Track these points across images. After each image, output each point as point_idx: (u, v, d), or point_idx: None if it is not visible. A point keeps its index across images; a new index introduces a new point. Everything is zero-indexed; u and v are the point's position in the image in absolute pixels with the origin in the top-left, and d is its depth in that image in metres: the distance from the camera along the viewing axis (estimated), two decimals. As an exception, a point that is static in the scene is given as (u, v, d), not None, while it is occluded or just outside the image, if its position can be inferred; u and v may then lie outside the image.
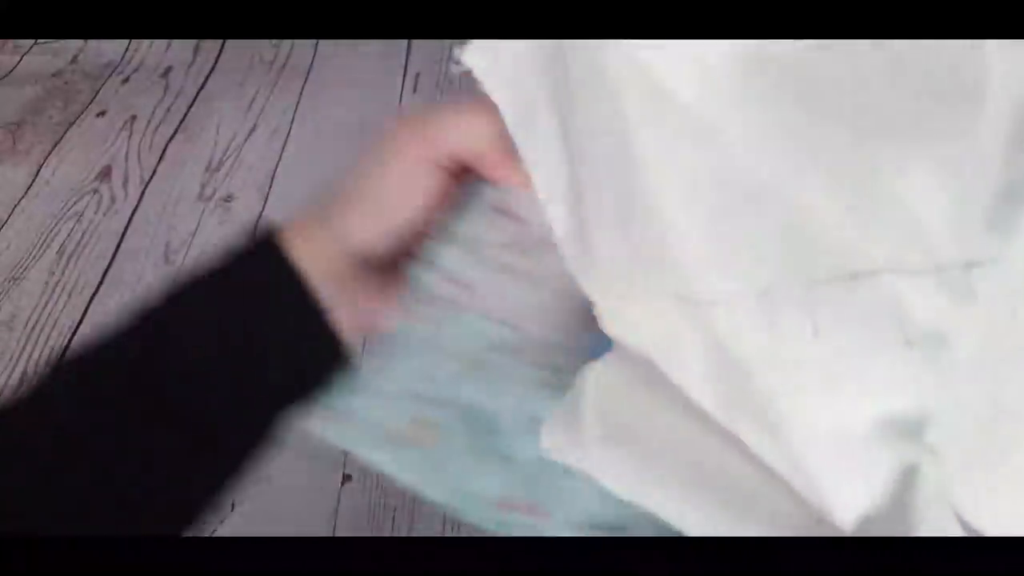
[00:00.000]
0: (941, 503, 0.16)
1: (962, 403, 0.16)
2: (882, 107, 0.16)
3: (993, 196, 0.15)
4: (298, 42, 1.02)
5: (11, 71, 0.94)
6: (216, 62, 0.98)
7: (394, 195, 0.31)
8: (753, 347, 0.16)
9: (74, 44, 0.99)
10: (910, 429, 0.16)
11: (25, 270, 0.67)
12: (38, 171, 0.79)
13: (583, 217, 0.19)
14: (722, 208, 0.16)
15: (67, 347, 0.60)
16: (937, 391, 0.16)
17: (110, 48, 0.99)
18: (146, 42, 1.00)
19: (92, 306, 0.64)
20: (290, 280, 0.29)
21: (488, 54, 0.23)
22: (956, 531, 0.17)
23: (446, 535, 0.49)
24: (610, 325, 0.19)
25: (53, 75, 0.94)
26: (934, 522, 0.16)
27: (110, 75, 0.95)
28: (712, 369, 0.17)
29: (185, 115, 0.89)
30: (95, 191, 0.77)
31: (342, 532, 0.57)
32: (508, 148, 0.28)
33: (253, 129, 0.88)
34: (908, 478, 0.16)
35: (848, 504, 0.17)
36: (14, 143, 0.83)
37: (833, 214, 0.16)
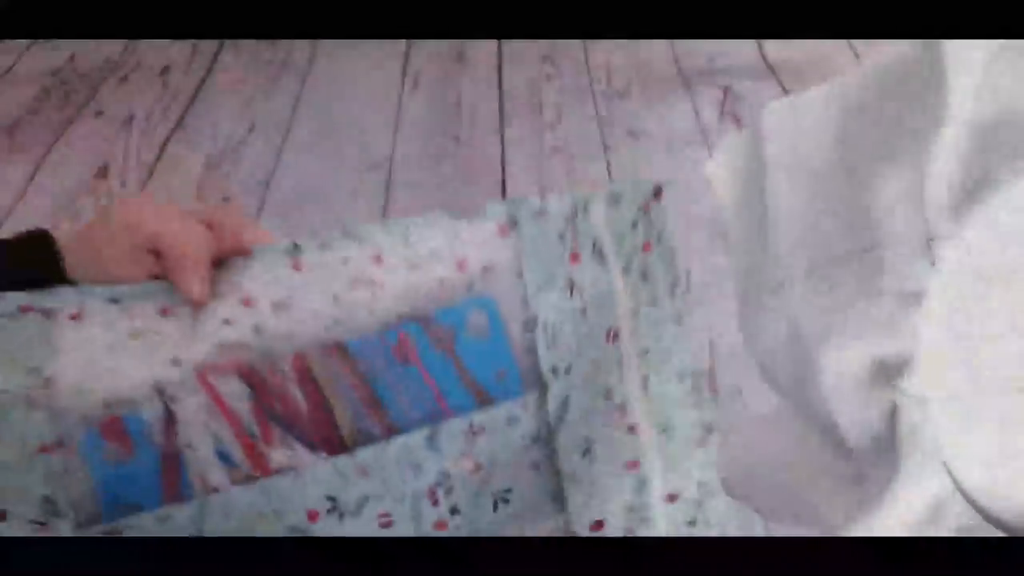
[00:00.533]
0: (923, 442, 0.21)
1: (935, 350, 0.21)
2: (870, 139, 0.23)
3: (950, 194, 0.22)
4: (297, 42, 1.02)
5: (9, 70, 0.94)
6: (214, 62, 0.98)
7: (109, 266, 0.38)
8: (804, 311, 0.24)
9: (72, 44, 0.98)
10: (892, 373, 0.22)
11: (21, 269, 0.67)
12: (36, 170, 0.79)
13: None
14: (792, 215, 0.25)
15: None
16: (912, 338, 0.22)
17: (108, 48, 0.99)
18: (144, 42, 1.00)
19: (89, 306, 0.64)
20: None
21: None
22: (938, 470, 0.21)
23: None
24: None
25: (51, 74, 0.93)
26: (917, 459, 0.21)
27: (108, 75, 0.94)
28: (782, 339, 0.25)
29: (183, 115, 0.89)
30: (93, 190, 0.77)
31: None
32: (201, 260, 0.37)
33: (251, 129, 0.87)
34: (893, 417, 0.22)
35: (854, 430, 0.23)
36: (12, 142, 0.83)
37: (850, 213, 0.23)
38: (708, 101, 0.96)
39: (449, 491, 0.42)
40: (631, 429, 0.46)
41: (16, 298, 0.40)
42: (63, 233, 0.37)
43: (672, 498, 0.44)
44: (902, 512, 0.21)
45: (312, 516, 0.40)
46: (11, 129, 0.85)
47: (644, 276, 0.47)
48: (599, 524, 0.41)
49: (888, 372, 0.22)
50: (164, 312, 0.41)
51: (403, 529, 0.41)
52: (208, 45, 1.01)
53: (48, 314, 0.41)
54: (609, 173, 0.84)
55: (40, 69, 0.95)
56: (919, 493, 0.21)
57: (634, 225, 0.47)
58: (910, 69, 0.23)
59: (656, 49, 1.04)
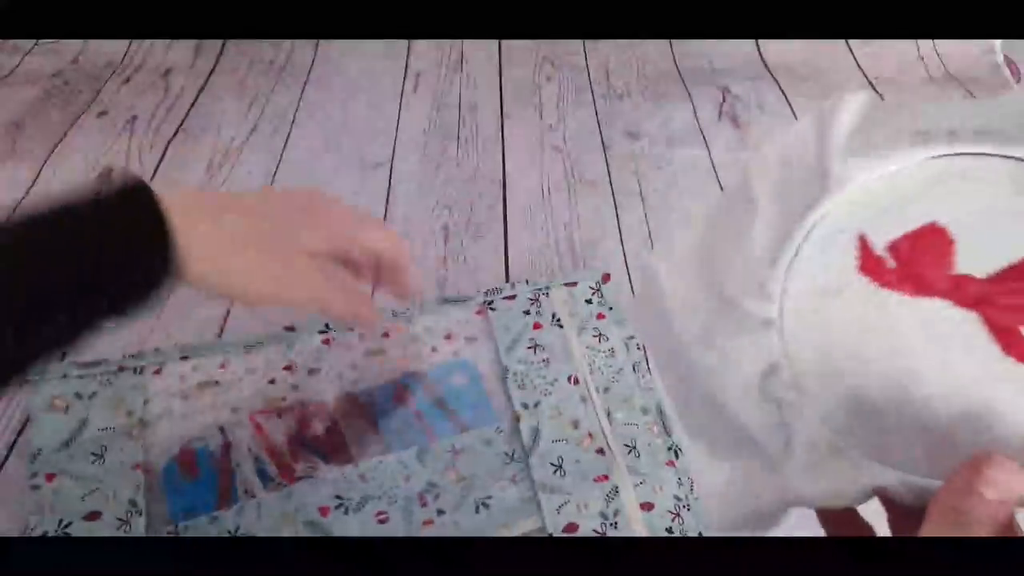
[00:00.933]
0: (807, 420, 0.30)
1: (795, 355, 0.31)
2: (719, 244, 0.34)
3: (767, 253, 0.32)
4: (299, 42, 1.02)
5: (12, 71, 0.94)
6: (217, 62, 0.98)
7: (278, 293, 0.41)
8: (706, 364, 0.34)
9: (75, 44, 0.99)
10: (772, 376, 0.31)
11: (26, 270, 0.67)
12: (39, 171, 0.79)
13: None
14: (680, 306, 0.36)
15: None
16: (778, 351, 0.31)
17: (111, 48, 0.99)
18: (147, 42, 1.00)
19: (93, 306, 0.64)
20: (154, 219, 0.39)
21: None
22: (821, 434, 0.30)
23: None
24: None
25: (53, 75, 0.94)
26: (803, 433, 0.30)
27: (111, 75, 0.95)
28: (699, 392, 0.35)
29: (186, 115, 0.89)
30: (96, 191, 0.77)
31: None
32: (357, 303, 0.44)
33: (254, 129, 0.88)
34: (782, 409, 0.31)
35: (759, 425, 0.32)
36: (15, 143, 0.83)
37: (715, 289, 0.34)
38: (707, 101, 0.96)
39: (436, 496, 0.51)
40: (599, 451, 0.55)
41: (114, 361, 0.57)
42: (180, 228, 0.39)
43: (648, 507, 0.50)
44: (802, 454, 0.30)
45: (324, 511, 0.48)
46: (14, 130, 0.86)
47: (600, 337, 0.61)
48: (572, 527, 0.48)
49: (768, 378, 0.31)
50: (222, 366, 0.57)
51: (396, 525, 0.48)
52: (211, 46, 1.02)
53: (139, 371, 0.56)
54: (609, 173, 0.84)
55: (42, 70, 0.96)
56: (814, 440, 0.30)
57: (588, 302, 0.64)
58: (733, 195, 0.35)
59: (655, 49, 1.05)
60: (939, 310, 0.27)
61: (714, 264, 0.34)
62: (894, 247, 0.29)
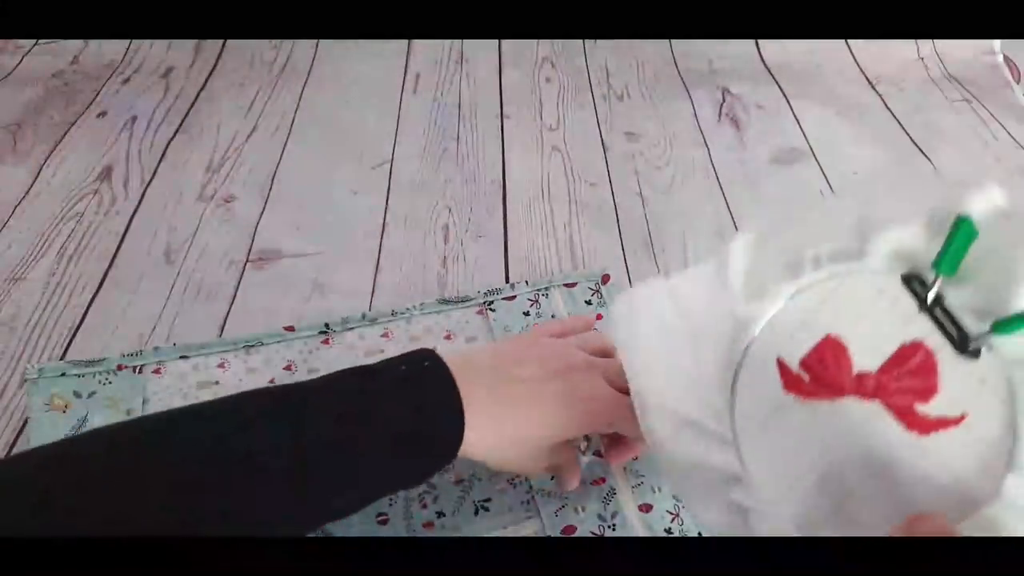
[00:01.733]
0: (772, 524, 0.34)
1: (751, 469, 0.36)
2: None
3: (718, 378, 0.39)
4: (298, 42, 1.02)
5: (12, 71, 0.94)
6: (217, 63, 0.98)
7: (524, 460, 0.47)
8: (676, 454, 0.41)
9: (75, 44, 0.99)
10: (734, 487, 0.36)
11: (25, 270, 0.67)
12: (39, 171, 0.79)
13: None
14: (666, 405, 0.42)
15: (68, 347, 0.60)
16: (736, 465, 0.36)
17: (111, 48, 0.99)
18: (147, 42, 1.00)
19: (92, 306, 0.64)
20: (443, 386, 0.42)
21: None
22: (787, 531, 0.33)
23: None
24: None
25: (54, 75, 0.94)
26: (761, 519, 0.35)
27: (111, 76, 0.95)
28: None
29: (186, 116, 0.89)
30: (95, 191, 0.77)
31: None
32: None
33: (254, 129, 0.88)
34: (746, 516, 0.36)
35: (712, 524, 0.38)
36: (14, 143, 0.83)
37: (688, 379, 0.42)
38: (707, 101, 0.96)
39: (436, 499, 0.50)
40: (597, 454, 0.54)
41: (114, 360, 0.57)
42: (472, 408, 0.42)
43: (647, 508, 0.50)
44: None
45: None
46: (14, 130, 0.86)
47: None
48: (570, 529, 0.47)
49: (733, 489, 0.36)
50: (222, 366, 0.57)
51: (396, 526, 0.48)
52: (211, 46, 1.02)
53: (138, 370, 0.56)
54: (608, 173, 0.84)
55: (43, 70, 0.96)
56: (770, 524, 0.34)
57: (588, 303, 0.64)
58: (683, 324, 0.40)
59: (655, 49, 1.05)
60: (852, 406, 0.33)
61: (681, 385, 0.40)
62: (804, 363, 0.35)
